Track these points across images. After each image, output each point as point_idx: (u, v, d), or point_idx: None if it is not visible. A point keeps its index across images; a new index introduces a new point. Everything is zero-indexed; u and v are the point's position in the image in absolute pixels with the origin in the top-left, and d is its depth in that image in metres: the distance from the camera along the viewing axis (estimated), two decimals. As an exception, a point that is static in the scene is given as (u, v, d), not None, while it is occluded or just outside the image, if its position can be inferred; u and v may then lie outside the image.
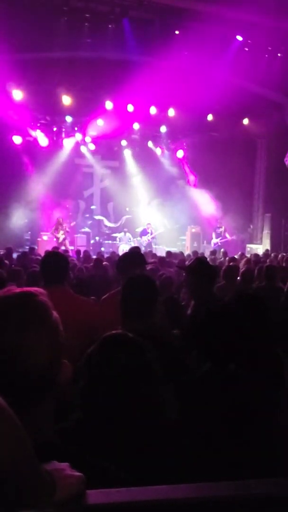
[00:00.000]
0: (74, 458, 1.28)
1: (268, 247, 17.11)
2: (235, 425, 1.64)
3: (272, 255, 12.33)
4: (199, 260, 3.24)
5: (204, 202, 18.16)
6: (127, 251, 5.39)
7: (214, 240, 16.55)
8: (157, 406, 1.51)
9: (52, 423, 1.34)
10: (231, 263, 8.20)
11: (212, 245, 16.42)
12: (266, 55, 14.02)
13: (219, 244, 16.27)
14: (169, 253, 11.47)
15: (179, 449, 1.56)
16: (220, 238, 16.49)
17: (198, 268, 3.07)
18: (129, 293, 2.57)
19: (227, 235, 16.48)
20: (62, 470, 1.07)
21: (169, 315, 3.19)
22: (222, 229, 16.57)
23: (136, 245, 16.20)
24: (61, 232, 15.20)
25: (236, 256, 10.76)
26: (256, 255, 11.57)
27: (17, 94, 14.21)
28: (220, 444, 1.60)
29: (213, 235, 16.70)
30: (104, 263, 7.78)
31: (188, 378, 1.79)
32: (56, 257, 3.49)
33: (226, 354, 1.79)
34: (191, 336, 2.30)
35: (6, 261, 7.93)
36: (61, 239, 15.12)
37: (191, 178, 19.02)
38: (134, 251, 4.89)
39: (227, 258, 10.23)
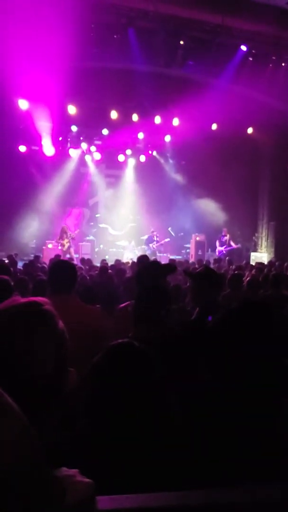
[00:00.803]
0: (81, 465, 1.28)
1: (273, 255, 17.10)
2: (238, 434, 1.64)
3: (277, 263, 12.31)
4: (206, 267, 3.25)
5: (209, 210, 18.19)
6: (148, 262, 5.29)
7: (219, 248, 16.55)
8: (162, 415, 1.52)
9: (58, 431, 1.34)
10: (236, 272, 8.21)
11: (217, 253, 16.42)
12: (270, 65, 14.09)
13: (224, 252, 16.26)
14: (172, 261, 11.47)
15: (184, 456, 1.56)
16: (224, 246, 16.48)
17: (205, 275, 3.08)
18: (140, 301, 2.58)
19: (232, 243, 16.48)
20: (72, 476, 1.07)
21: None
22: (227, 238, 16.57)
23: (141, 253, 16.28)
24: (66, 240, 15.25)
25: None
26: (261, 264, 11.56)
27: (23, 104, 14.35)
28: (224, 452, 1.59)
29: (217, 243, 16.69)
30: (109, 271, 7.79)
31: (195, 387, 1.79)
32: (64, 266, 3.48)
33: (231, 363, 1.79)
34: (196, 344, 2.30)
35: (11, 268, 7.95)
36: (66, 247, 15.16)
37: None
38: (154, 262, 4.83)
39: (232, 267, 10.23)
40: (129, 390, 1.48)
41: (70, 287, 3.22)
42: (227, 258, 13.23)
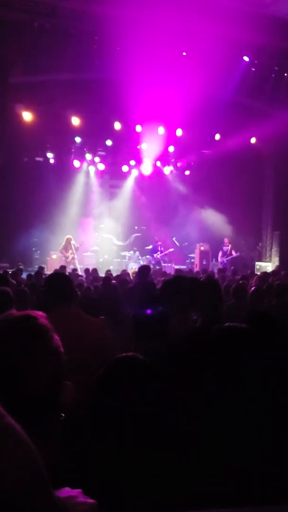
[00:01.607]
0: (83, 482, 1.26)
1: (277, 264, 17.04)
2: (247, 447, 1.61)
3: (282, 272, 12.26)
4: (207, 279, 3.23)
5: (213, 220, 18.19)
6: (170, 278, 5.17)
7: (220, 259, 16.51)
8: (169, 430, 1.49)
9: (58, 446, 1.33)
10: (240, 281, 8.18)
11: (220, 263, 16.37)
12: (273, 75, 14.17)
13: (225, 262, 16.22)
14: (178, 271, 11.45)
15: (192, 472, 1.53)
16: (226, 256, 16.43)
17: (205, 287, 3.05)
18: (143, 314, 2.57)
19: (233, 252, 16.42)
20: (75, 497, 1.05)
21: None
22: (228, 248, 16.52)
23: (145, 263, 16.26)
24: (70, 251, 15.25)
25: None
26: (266, 273, 11.49)
27: (27, 116, 14.46)
28: (232, 466, 1.57)
29: (220, 254, 16.66)
30: (112, 281, 7.77)
31: (201, 400, 1.77)
32: (59, 278, 3.48)
33: (238, 376, 1.76)
34: (200, 355, 2.28)
35: (13, 281, 7.92)
36: (70, 258, 15.16)
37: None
38: (179, 277, 4.75)
39: (237, 276, 10.20)
40: (134, 404, 1.46)
41: (69, 298, 3.21)
42: (231, 267, 13.18)
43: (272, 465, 1.62)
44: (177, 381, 1.98)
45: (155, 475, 1.42)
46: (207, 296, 2.93)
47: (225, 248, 16.54)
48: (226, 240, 16.78)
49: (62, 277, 3.47)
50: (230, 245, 16.59)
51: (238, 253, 16.45)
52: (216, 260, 17.09)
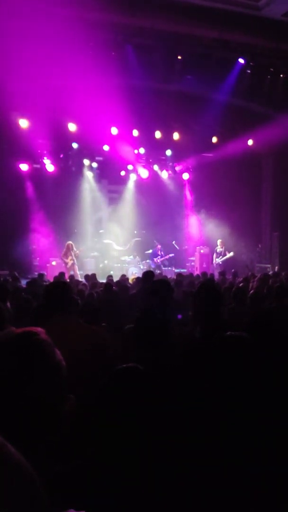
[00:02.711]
0: (81, 496, 1.25)
1: (277, 265, 17.03)
2: (255, 458, 1.61)
3: (282, 274, 12.26)
4: (203, 286, 3.21)
5: (212, 223, 18.20)
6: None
7: (215, 260, 16.46)
8: (171, 441, 1.49)
9: (54, 460, 1.33)
10: (240, 284, 8.18)
11: (214, 265, 16.32)
12: (269, 76, 14.19)
13: (220, 263, 16.20)
14: (179, 275, 11.45)
15: (195, 484, 1.53)
16: (220, 257, 16.39)
17: (204, 294, 3.03)
18: (142, 322, 2.56)
19: (227, 253, 16.37)
20: None
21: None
22: (222, 249, 16.46)
23: (145, 267, 16.26)
24: (70, 257, 15.23)
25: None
26: (266, 275, 11.48)
27: (23, 123, 14.48)
28: (236, 477, 1.56)
29: (214, 256, 16.62)
30: (113, 288, 7.75)
31: (203, 409, 1.76)
32: (59, 287, 3.46)
33: (242, 386, 1.76)
34: (202, 365, 2.27)
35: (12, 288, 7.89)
36: (69, 264, 15.13)
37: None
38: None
39: (239, 279, 10.20)
40: (136, 416, 1.46)
41: (67, 307, 3.20)
42: (232, 270, 13.15)
43: (275, 473, 1.61)
44: (178, 392, 1.97)
45: (160, 485, 1.42)
46: (203, 303, 2.91)
47: (219, 250, 16.51)
48: (219, 241, 16.73)
49: (61, 286, 3.45)
50: (223, 247, 16.53)
51: (232, 253, 16.37)
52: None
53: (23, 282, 10.89)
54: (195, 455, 1.69)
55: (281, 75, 14.13)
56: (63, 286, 3.41)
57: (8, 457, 0.86)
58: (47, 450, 1.20)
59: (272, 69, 14.17)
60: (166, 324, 2.60)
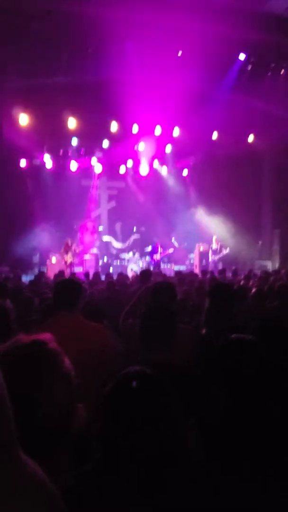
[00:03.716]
0: (94, 503, 1.24)
1: (277, 262, 17.04)
2: (266, 463, 1.58)
3: (282, 271, 12.24)
4: (219, 284, 3.19)
5: (211, 219, 18.17)
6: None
7: (212, 258, 16.44)
8: (180, 448, 1.46)
9: (68, 467, 1.32)
10: (241, 282, 8.16)
11: (210, 262, 16.29)
12: (269, 72, 14.15)
13: (216, 260, 16.19)
14: (178, 273, 11.43)
15: (205, 491, 1.51)
16: (216, 254, 16.37)
17: (219, 292, 3.01)
18: (149, 322, 2.53)
19: (223, 249, 16.36)
20: None
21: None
22: (218, 246, 16.45)
23: (145, 264, 16.24)
24: (69, 254, 15.19)
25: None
26: (266, 273, 11.47)
27: (23, 118, 14.42)
28: (252, 484, 1.54)
29: (210, 252, 16.59)
30: (115, 287, 7.74)
31: (212, 413, 1.74)
32: (67, 284, 3.46)
33: (245, 389, 1.74)
34: (209, 368, 2.25)
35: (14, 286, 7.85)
36: (68, 262, 15.11)
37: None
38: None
39: (239, 277, 10.18)
40: (143, 422, 1.44)
41: (73, 305, 3.20)
42: (233, 268, 13.15)
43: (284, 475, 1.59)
44: (187, 395, 1.95)
45: (167, 491, 1.40)
46: (211, 304, 2.89)
47: (214, 247, 16.50)
48: (215, 238, 16.72)
49: (69, 284, 3.46)
50: (219, 243, 16.51)
51: (228, 249, 16.36)
52: (213, 260, 16.99)
53: (24, 279, 10.90)
54: (206, 459, 1.67)
55: (282, 70, 14.10)
56: (73, 284, 3.43)
57: (31, 478, 0.86)
58: (60, 459, 1.19)
59: (273, 65, 14.14)
60: (174, 322, 2.56)
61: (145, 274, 6.68)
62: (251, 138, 16.71)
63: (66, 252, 15.25)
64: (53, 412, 1.14)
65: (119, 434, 1.41)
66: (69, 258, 15.09)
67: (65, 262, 14.97)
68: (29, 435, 1.09)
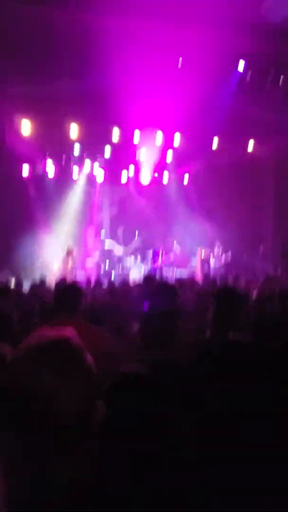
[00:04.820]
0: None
1: (279, 268, 17.01)
2: (264, 468, 1.60)
3: (284, 276, 12.25)
4: (225, 287, 3.22)
5: (213, 225, 18.19)
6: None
7: (213, 263, 16.44)
8: (176, 448, 1.49)
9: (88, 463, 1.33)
10: (243, 287, 8.18)
11: (212, 268, 16.29)
12: (269, 80, 14.23)
13: (217, 266, 16.19)
14: (179, 279, 11.43)
15: (202, 490, 1.52)
16: (218, 259, 16.38)
17: (227, 296, 3.03)
18: (148, 322, 2.56)
19: (225, 255, 16.36)
20: None
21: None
22: (219, 250, 16.45)
23: (146, 270, 16.25)
24: (71, 260, 15.25)
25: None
26: (268, 278, 11.47)
27: (25, 126, 14.51)
28: (247, 485, 1.56)
29: (211, 257, 16.60)
30: (116, 291, 7.75)
31: (209, 414, 1.76)
32: (68, 288, 3.50)
33: (241, 392, 1.76)
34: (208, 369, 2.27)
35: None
36: (70, 267, 15.16)
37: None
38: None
39: (240, 282, 10.19)
40: (140, 421, 1.46)
41: (73, 308, 3.23)
42: (235, 273, 13.16)
43: (278, 481, 1.61)
44: (184, 396, 1.97)
45: (164, 490, 1.41)
46: (218, 307, 2.91)
47: (216, 252, 16.50)
48: (217, 243, 16.73)
49: (70, 287, 3.50)
50: (221, 248, 16.52)
51: (229, 255, 16.35)
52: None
53: (25, 285, 10.91)
54: (205, 465, 1.69)
55: (281, 76, 14.18)
56: (75, 288, 3.46)
57: None
58: (80, 456, 1.20)
59: (272, 72, 14.22)
60: (174, 324, 2.59)
61: (147, 279, 6.72)
62: (251, 145, 16.77)
63: (68, 258, 15.31)
64: (75, 407, 1.16)
65: (116, 433, 1.44)
66: (70, 264, 15.15)
67: (67, 268, 15.01)
68: (51, 430, 1.12)
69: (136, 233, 18.97)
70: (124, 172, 18.73)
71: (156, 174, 18.88)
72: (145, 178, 18.69)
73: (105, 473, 1.38)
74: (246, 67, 13.74)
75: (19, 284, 10.90)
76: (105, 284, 10.41)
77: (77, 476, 1.12)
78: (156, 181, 19.13)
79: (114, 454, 1.42)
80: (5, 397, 1.15)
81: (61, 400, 1.14)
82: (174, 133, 16.15)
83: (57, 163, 17.44)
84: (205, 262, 16.89)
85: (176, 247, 18.58)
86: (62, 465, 1.05)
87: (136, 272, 16.43)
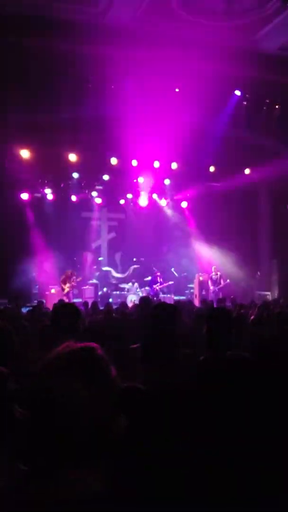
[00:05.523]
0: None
1: (276, 292, 17.04)
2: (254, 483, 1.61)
3: (281, 300, 12.26)
4: (215, 308, 3.25)
5: (210, 250, 18.28)
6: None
7: (212, 288, 16.44)
8: (171, 463, 1.49)
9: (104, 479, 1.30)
10: (241, 311, 8.19)
11: (211, 292, 16.28)
12: (264, 107, 14.53)
13: (217, 290, 16.19)
14: (177, 302, 11.42)
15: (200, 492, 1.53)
16: (216, 285, 16.39)
17: (215, 315, 3.05)
18: (150, 342, 2.57)
19: (222, 280, 16.39)
20: None
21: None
22: (218, 276, 16.50)
23: (144, 295, 16.21)
24: (68, 285, 15.24)
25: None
26: (266, 302, 11.49)
27: (25, 153, 14.72)
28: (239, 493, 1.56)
29: (210, 283, 16.61)
30: (113, 315, 7.75)
31: (208, 433, 1.77)
32: (66, 308, 3.50)
33: (241, 408, 1.77)
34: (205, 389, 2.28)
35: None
36: (65, 291, 15.15)
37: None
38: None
39: (237, 306, 10.17)
40: (136, 438, 1.46)
41: (72, 329, 3.22)
42: (231, 297, 13.15)
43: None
44: (182, 413, 1.97)
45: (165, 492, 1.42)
46: (213, 327, 2.93)
47: (214, 277, 16.54)
48: (214, 268, 16.78)
49: (67, 309, 3.49)
50: (219, 273, 16.57)
51: (227, 280, 16.40)
52: (207, 290, 16.96)
53: (23, 310, 10.88)
54: (202, 476, 1.69)
55: (277, 106, 14.48)
56: (73, 309, 3.45)
57: None
58: (97, 466, 1.18)
59: (268, 101, 14.53)
60: (173, 343, 2.61)
61: (145, 301, 6.71)
62: (247, 171, 16.99)
63: (65, 283, 15.30)
64: (100, 414, 1.16)
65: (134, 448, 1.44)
66: (66, 288, 15.14)
67: (63, 292, 15.00)
68: (73, 438, 1.11)
69: (134, 259, 19.04)
70: (122, 197, 18.93)
71: (154, 198, 19.07)
72: (143, 201, 18.89)
73: (122, 486, 1.37)
74: (242, 95, 14.05)
75: (18, 308, 10.87)
76: (103, 308, 10.40)
77: (95, 488, 1.10)
78: (154, 205, 19.31)
79: (130, 468, 1.42)
80: (34, 405, 1.17)
81: (85, 408, 1.14)
82: (172, 160, 16.37)
83: (56, 190, 17.62)
84: (202, 287, 16.90)
85: (174, 273, 18.61)
86: (79, 478, 1.04)
87: (134, 297, 16.40)
